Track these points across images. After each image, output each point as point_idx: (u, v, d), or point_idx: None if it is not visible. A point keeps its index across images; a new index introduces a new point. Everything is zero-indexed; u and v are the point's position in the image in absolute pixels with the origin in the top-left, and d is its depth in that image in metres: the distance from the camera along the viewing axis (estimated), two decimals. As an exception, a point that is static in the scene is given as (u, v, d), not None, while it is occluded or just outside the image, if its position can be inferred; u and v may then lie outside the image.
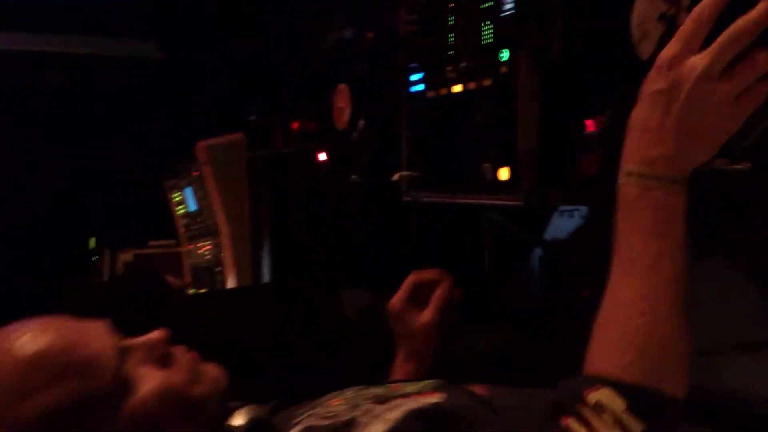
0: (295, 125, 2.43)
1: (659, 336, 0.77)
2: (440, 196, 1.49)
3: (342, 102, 2.06)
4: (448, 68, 1.42)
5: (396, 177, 1.58)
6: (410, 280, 1.34)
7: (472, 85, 1.36)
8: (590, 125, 1.15)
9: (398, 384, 1.04)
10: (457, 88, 1.40)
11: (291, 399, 1.04)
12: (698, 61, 0.77)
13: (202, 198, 2.88)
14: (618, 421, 0.73)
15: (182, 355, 0.89)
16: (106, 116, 3.36)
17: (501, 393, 1.03)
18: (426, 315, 1.31)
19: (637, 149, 0.81)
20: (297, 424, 0.92)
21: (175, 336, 0.91)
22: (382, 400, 0.91)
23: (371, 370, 1.36)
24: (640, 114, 0.81)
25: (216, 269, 2.87)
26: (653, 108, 0.80)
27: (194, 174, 2.88)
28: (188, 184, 3.00)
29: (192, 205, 3.02)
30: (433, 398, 0.91)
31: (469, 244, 1.85)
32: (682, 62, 0.78)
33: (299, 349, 1.68)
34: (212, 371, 0.91)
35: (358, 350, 1.65)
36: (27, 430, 0.76)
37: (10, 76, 3.20)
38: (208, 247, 2.94)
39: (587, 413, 0.74)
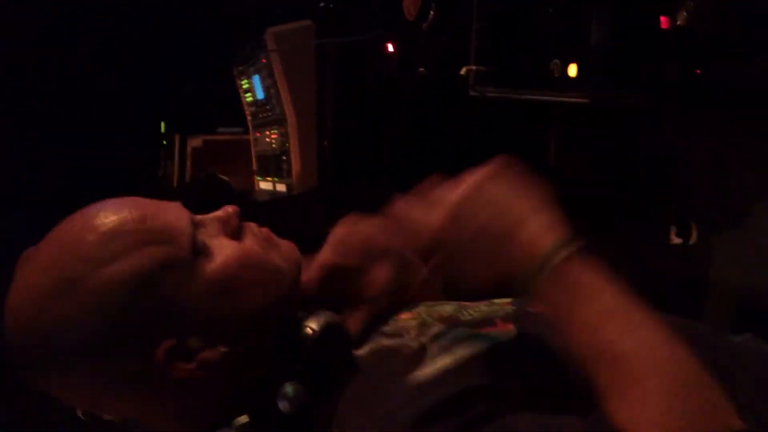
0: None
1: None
2: (507, 91, 1.47)
3: (413, -9, 2.01)
4: (523, -43, 1.37)
5: (463, 71, 1.55)
6: None
7: (546, -24, 1.31)
8: (664, 22, 1.11)
9: (469, 303, 1.01)
10: (531, -21, 1.35)
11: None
12: None
13: (269, 86, 2.88)
14: None
15: (255, 228, 0.91)
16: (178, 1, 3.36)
17: None
18: None
19: None
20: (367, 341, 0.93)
21: None
22: (452, 323, 0.91)
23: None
24: None
25: (282, 158, 2.89)
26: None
27: (263, 61, 2.87)
28: (256, 72, 3.00)
29: (259, 93, 3.03)
30: (504, 333, 0.89)
31: (534, 141, 1.83)
32: None
33: None
34: (286, 243, 0.93)
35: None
36: (109, 294, 0.79)
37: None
38: (274, 136, 2.96)
39: None
